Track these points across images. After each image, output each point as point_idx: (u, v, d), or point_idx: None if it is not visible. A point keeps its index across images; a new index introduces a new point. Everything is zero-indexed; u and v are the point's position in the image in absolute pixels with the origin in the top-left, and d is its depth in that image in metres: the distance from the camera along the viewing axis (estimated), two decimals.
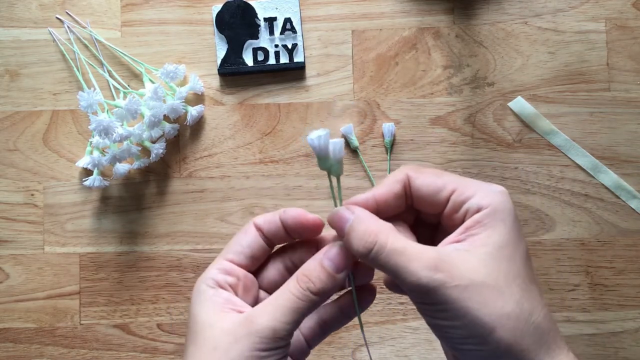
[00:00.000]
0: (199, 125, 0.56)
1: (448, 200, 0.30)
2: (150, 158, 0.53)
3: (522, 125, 0.55)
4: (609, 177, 0.54)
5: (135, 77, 0.56)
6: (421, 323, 0.54)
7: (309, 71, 0.56)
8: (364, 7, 0.56)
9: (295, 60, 0.55)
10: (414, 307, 0.54)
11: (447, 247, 0.29)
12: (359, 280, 0.33)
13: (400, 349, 0.54)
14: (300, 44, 0.55)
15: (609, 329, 0.54)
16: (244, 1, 0.55)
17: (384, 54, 0.56)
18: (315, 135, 0.30)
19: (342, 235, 0.31)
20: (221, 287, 0.32)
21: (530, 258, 0.30)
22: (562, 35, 0.55)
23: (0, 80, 0.56)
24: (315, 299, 0.30)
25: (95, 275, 0.55)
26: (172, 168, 0.56)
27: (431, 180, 0.31)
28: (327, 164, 0.31)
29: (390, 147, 0.55)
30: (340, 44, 0.56)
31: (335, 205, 0.32)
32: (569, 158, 0.55)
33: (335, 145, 0.30)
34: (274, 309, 0.30)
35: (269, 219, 0.33)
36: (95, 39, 0.56)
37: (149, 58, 0.56)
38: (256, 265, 0.34)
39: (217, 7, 0.55)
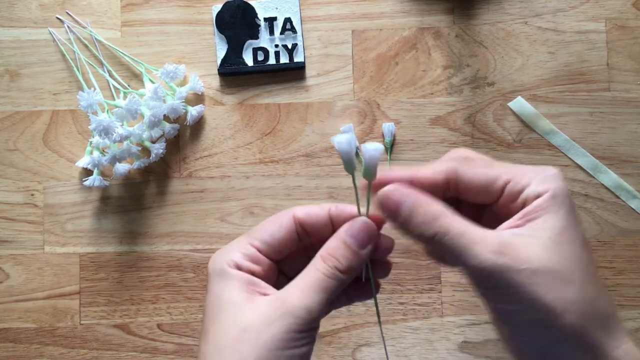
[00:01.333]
0: (199, 125, 0.56)
1: (502, 190, 0.30)
2: (150, 158, 0.53)
3: (522, 125, 0.55)
4: (608, 177, 0.54)
5: (135, 77, 0.56)
6: (421, 323, 0.54)
7: (309, 71, 0.56)
8: (364, 7, 0.56)
9: (295, 60, 0.55)
10: (414, 307, 0.54)
11: (507, 231, 0.29)
12: (378, 255, 0.33)
13: (400, 349, 0.54)
14: (300, 44, 0.55)
15: None
16: (244, 1, 0.55)
17: (384, 54, 0.56)
18: (342, 138, 0.30)
19: (394, 217, 0.30)
20: (243, 272, 0.31)
21: (588, 242, 0.30)
22: (562, 35, 0.56)
23: (0, 80, 0.56)
24: (343, 277, 0.30)
25: (95, 275, 0.55)
26: (172, 168, 0.56)
27: (483, 172, 0.30)
28: (353, 168, 0.30)
29: (390, 147, 0.55)
30: (340, 44, 0.56)
31: (359, 209, 0.32)
32: (569, 158, 0.55)
33: (369, 151, 0.30)
34: (306, 288, 0.30)
35: (315, 214, 0.32)
36: (95, 39, 0.56)
37: (149, 58, 0.56)
38: (281, 257, 0.33)
39: (217, 7, 0.55)
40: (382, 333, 0.37)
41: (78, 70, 0.56)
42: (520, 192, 0.29)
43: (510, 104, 0.55)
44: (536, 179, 0.29)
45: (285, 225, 0.32)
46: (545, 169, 0.30)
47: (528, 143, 0.55)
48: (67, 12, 0.56)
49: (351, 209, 0.32)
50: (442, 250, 0.29)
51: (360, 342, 0.54)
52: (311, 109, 0.56)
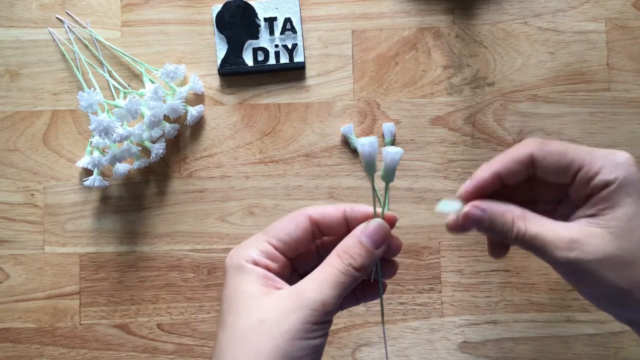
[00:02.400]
0: (199, 125, 0.56)
1: (575, 176, 0.33)
2: (150, 158, 0.53)
3: (523, 125, 0.55)
4: None
5: (135, 77, 0.56)
6: (421, 323, 0.54)
7: (309, 71, 0.56)
8: (364, 7, 0.56)
9: (295, 60, 0.55)
10: (414, 307, 0.54)
11: (580, 222, 0.32)
12: (388, 254, 0.35)
13: (400, 349, 0.54)
14: (300, 44, 0.55)
15: (609, 329, 0.54)
16: (244, 1, 0.55)
17: (384, 54, 0.56)
18: (366, 140, 0.31)
19: (480, 229, 0.34)
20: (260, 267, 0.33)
21: None
22: (562, 35, 0.55)
23: (0, 80, 0.56)
24: (357, 274, 0.32)
25: (95, 275, 0.55)
26: (172, 168, 0.56)
27: (557, 158, 0.33)
28: (374, 170, 0.32)
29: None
30: (340, 44, 0.56)
31: (375, 210, 0.33)
32: None
33: (390, 154, 0.32)
34: (321, 283, 0.31)
35: (330, 214, 0.34)
36: (95, 39, 0.56)
37: (149, 58, 0.56)
38: (295, 255, 0.35)
39: (217, 7, 0.55)
40: (384, 333, 0.39)
41: (78, 70, 0.56)
42: (591, 179, 0.32)
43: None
44: (606, 167, 0.32)
45: (301, 225, 0.34)
46: (615, 154, 0.32)
47: None
48: (67, 12, 0.56)
49: (366, 209, 0.34)
50: (524, 248, 0.33)
51: (360, 342, 0.54)
52: (311, 109, 0.56)
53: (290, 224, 0.34)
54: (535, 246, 0.32)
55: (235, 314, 0.31)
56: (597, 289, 0.32)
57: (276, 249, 0.33)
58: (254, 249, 0.33)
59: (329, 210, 0.34)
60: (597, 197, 0.32)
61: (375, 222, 0.33)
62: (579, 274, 0.31)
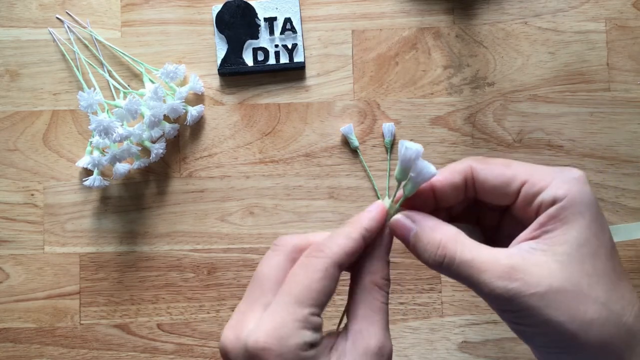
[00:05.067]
0: (199, 125, 0.56)
1: (519, 192, 0.28)
2: (150, 158, 0.53)
3: (523, 125, 0.55)
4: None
5: (135, 77, 0.56)
6: (421, 323, 0.54)
7: (309, 71, 0.56)
8: (364, 7, 0.56)
9: (295, 60, 0.55)
10: (414, 307, 0.54)
11: (521, 247, 0.27)
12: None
13: (400, 349, 0.54)
14: (300, 44, 0.55)
15: None
16: (244, 1, 0.55)
17: (384, 54, 0.56)
18: (412, 146, 0.28)
19: (406, 245, 0.29)
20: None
21: (616, 251, 0.27)
22: (562, 35, 0.55)
23: (0, 80, 0.56)
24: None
25: (95, 275, 0.55)
26: (172, 168, 0.56)
27: (499, 171, 0.29)
28: (406, 177, 0.29)
29: (390, 147, 0.55)
30: (340, 44, 0.56)
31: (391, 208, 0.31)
32: (569, 158, 0.55)
33: (424, 167, 0.28)
34: (373, 324, 0.28)
35: (349, 251, 0.29)
36: (95, 39, 0.56)
37: (149, 58, 0.56)
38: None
39: (217, 7, 0.55)
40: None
41: (78, 70, 0.56)
42: (537, 195, 0.27)
43: None
44: (555, 182, 0.27)
45: (330, 275, 0.28)
46: (565, 170, 0.28)
47: (528, 143, 0.55)
48: (67, 12, 0.56)
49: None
50: (451, 276, 0.28)
51: None
52: (311, 109, 0.56)
53: (321, 282, 0.28)
54: (468, 275, 0.27)
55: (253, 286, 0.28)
56: (538, 329, 0.26)
57: (317, 315, 0.28)
58: (300, 332, 0.27)
59: (347, 246, 0.29)
60: (544, 215, 0.27)
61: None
62: (517, 309, 0.26)
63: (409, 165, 0.29)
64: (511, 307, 0.26)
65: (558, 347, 0.26)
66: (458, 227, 0.29)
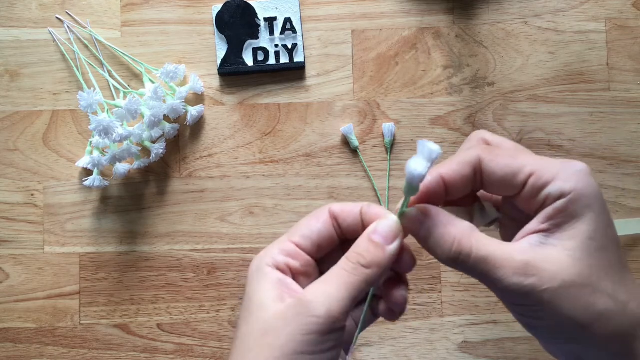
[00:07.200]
0: (199, 125, 0.56)
1: (525, 184, 0.28)
2: (150, 158, 0.53)
3: (522, 125, 0.55)
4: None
5: (135, 77, 0.56)
6: (421, 323, 0.54)
7: (309, 71, 0.56)
8: (364, 7, 0.56)
9: (295, 60, 0.55)
10: (414, 307, 0.54)
11: (531, 241, 0.27)
12: (402, 266, 0.31)
13: (400, 349, 0.54)
14: (300, 44, 0.55)
15: None
16: (244, 1, 0.55)
17: (384, 54, 0.56)
18: (419, 165, 0.27)
19: (417, 238, 0.29)
20: (280, 269, 0.30)
21: (620, 243, 0.28)
22: (562, 35, 0.55)
23: (0, 80, 0.56)
24: (368, 272, 0.29)
25: (95, 275, 0.55)
26: (172, 168, 0.56)
27: (506, 162, 0.28)
28: (414, 192, 0.28)
29: (390, 147, 0.55)
30: (340, 44, 0.56)
31: (400, 220, 0.30)
32: (569, 158, 0.55)
33: (429, 146, 0.27)
34: (326, 285, 0.28)
35: (348, 210, 0.31)
36: (95, 39, 0.56)
37: (149, 58, 0.56)
38: (320, 255, 0.32)
39: (217, 7, 0.55)
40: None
41: (78, 70, 0.56)
42: (543, 187, 0.27)
43: None
44: (561, 175, 0.27)
45: (322, 219, 0.31)
46: (572, 163, 0.28)
47: (528, 143, 0.55)
48: (67, 12, 0.56)
49: (381, 209, 0.31)
50: (464, 271, 0.28)
51: (360, 342, 0.54)
52: (311, 109, 0.56)
53: (312, 219, 0.31)
54: (483, 271, 0.27)
55: (245, 323, 0.29)
56: (550, 322, 0.27)
57: (299, 246, 0.30)
58: (275, 249, 0.30)
59: (347, 207, 0.31)
60: (551, 208, 0.27)
61: (385, 218, 0.30)
62: (531, 304, 0.27)
63: (417, 183, 0.28)
64: (525, 302, 0.27)
65: (568, 338, 0.27)
66: (449, 210, 0.30)
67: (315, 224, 0.31)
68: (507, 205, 0.32)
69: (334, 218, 0.31)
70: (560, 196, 0.27)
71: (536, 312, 0.27)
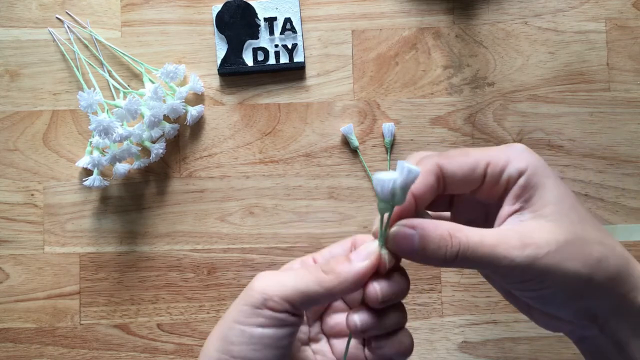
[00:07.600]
0: (199, 125, 0.56)
1: (484, 174, 0.30)
2: (150, 158, 0.53)
3: (522, 125, 0.55)
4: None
5: (135, 77, 0.56)
6: (421, 323, 0.54)
7: (309, 71, 0.56)
8: (364, 7, 0.56)
9: (295, 60, 0.55)
10: (414, 307, 0.54)
11: (511, 221, 0.29)
12: (391, 295, 0.30)
13: None
14: (300, 44, 0.55)
15: None
16: (244, 1, 0.55)
17: (384, 54, 0.56)
18: (386, 177, 0.27)
19: (412, 254, 0.29)
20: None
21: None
22: (562, 35, 0.55)
23: (0, 80, 0.56)
24: (324, 277, 0.30)
25: (95, 275, 0.55)
26: (172, 168, 0.56)
27: (462, 161, 0.30)
28: (388, 206, 0.28)
29: (390, 147, 0.55)
30: (340, 44, 0.56)
31: (381, 242, 0.30)
32: (569, 158, 0.55)
33: (407, 167, 0.27)
34: (282, 274, 0.30)
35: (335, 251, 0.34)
36: (95, 39, 0.56)
37: (149, 58, 0.56)
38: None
39: (217, 7, 0.55)
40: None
41: (78, 70, 0.56)
42: (502, 173, 0.29)
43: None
44: (512, 157, 0.29)
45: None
46: (514, 145, 0.30)
47: (528, 143, 0.55)
48: (67, 12, 0.56)
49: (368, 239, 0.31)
50: (468, 265, 0.28)
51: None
52: (311, 109, 0.56)
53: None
54: (484, 254, 0.27)
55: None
56: (558, 285, 0.28)
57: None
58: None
59: (335, 247, 0.34)
60: (516, 187, 0.29)
61: (370, 242, 0.30)
62: (537, 273, 0.28)
63: (387, 198, 0.27)
64: (530, 274, 0.28)
65: (576, 296, 0.29)
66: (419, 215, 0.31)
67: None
68: (456, 208, 0.34)
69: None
70: (520, 174, 0.29)
71: (542, 281, 0.28)
